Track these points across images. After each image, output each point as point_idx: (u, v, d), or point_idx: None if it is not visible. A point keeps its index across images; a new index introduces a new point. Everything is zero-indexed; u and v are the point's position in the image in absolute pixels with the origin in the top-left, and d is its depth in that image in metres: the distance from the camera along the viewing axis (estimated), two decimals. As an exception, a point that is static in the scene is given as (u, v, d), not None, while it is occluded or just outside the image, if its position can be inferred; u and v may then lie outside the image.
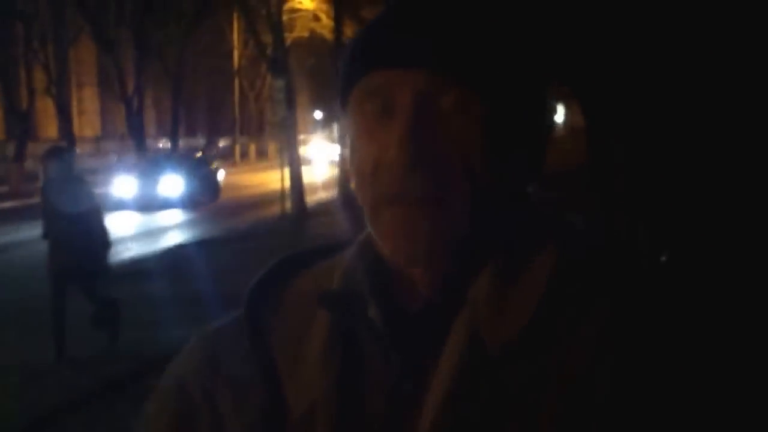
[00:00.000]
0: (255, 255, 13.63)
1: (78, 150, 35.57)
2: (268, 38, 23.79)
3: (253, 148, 50.58)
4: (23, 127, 33.66)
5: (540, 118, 0.98)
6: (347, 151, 0.98)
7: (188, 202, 24.16)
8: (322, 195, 24.20)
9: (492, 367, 0.89)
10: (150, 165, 26.53)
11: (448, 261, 0.94)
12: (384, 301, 0.97)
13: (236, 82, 46.74)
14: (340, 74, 0.98)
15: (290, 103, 20.04)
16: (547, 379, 0.87)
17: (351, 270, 1.02)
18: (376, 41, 0.94)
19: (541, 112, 0.98)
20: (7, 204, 26.48)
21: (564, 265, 0.93)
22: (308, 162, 31.90)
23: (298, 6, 31.24)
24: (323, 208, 21.57)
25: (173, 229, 20.33)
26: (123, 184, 25.16)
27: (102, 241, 8.63)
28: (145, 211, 23.19)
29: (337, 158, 26.76)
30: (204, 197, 25.25)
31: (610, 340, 0.88)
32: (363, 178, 0.94)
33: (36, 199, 22.32)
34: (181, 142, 44.72)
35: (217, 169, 28.79)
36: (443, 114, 0.90)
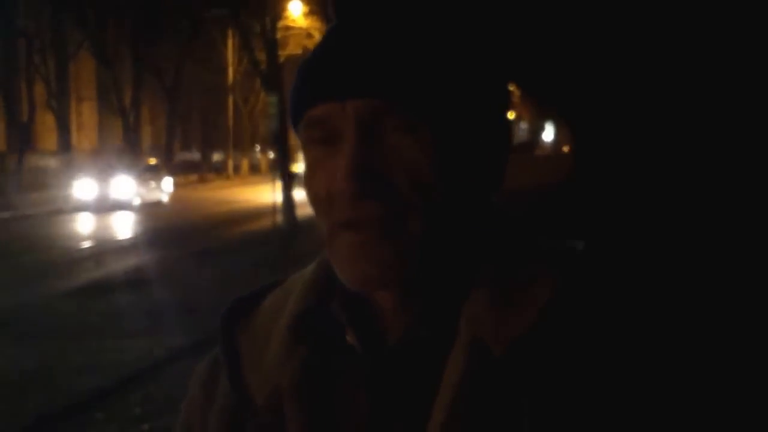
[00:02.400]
0: (247, 266, 13.91)
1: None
2: (261, 55, 23.98)
3: (246, 162, 50.50)
4: (23, 139, 33.94)
5: (492, 135, 0.96)
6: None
7: None
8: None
9: (497, 368, 0.88)
10: None
11: (405, 284, 0.93)
12: (361, 327, 0.98)
13: (230, 97, 46.82)
14: (289, 106, 0.98)
15: (283, 118, 19.64)
16: (551, 380, 0.86)
17: (312, 289, 1.04)
18: (314, 76, 0.93)
19: (492, 129, 0.96)
20: (6, 214, 26.14)
21: (562, 278, 0.92)
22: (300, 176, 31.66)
23: (292, 24, 31.51)
24: (314, 221, 21.14)
25: None
26: None
27: None
28: None
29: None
30: None
31: (604, 348, 0.87)
32: (319, 206, 0.94)
33: (34, 210, 22.72)
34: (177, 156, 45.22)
35: None
36: (387, 139, 0.90)
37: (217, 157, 50.19)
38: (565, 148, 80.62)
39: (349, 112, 0.90)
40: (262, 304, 1.08)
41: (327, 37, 0.96)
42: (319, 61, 0.94)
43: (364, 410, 0.95)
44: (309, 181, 0.96)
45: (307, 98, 0.94)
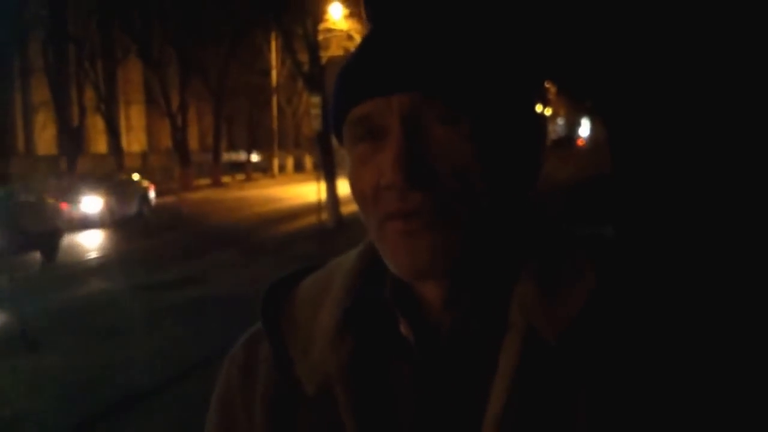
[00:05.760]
0: (295, 262, 14.15)
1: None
2: (304, 57, 23.87)
3: (290, 161, 50.55)
4: (74, 143, 34.54)
5: (529, 125, 0.97)
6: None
7: None
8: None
9: (551, 355, 0.90)
10: None
11: (454, 273, 0.94)
12: (413, 317, 0.98)
13: (274, 98, 46.71)
14: (331, 109, 1.00)
15: (326, 118, 19.55)
16: (605, 366, 0.89)
17: (361, 278, 1.05)
18: (358, 75, 0.95)
19: (529, 120, 0.97)
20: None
21: (603, 266, 0.94)
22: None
23: (332, 26, 31.88)
24: (358, 218, 19.93)
25: None
26: None
27: None
28: None
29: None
30: None
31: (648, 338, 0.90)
32: (366, 202, 0.95)
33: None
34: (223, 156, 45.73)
35: None
36: (430, 131, 0.91)
37: (262, 156, 50.25)
38: (580, 142, 79.38)
39: (394, 106, 0.92)
40: (300, 289, 1.10)
41: (366, 41, 0.99)
42: (361, 61, 0.96)
43: (417, 400, 0.96)
44: (355, 178, 0.97)
45: (352, 97, 0.96)
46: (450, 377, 0.96)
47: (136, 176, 27.03)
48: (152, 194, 26.53)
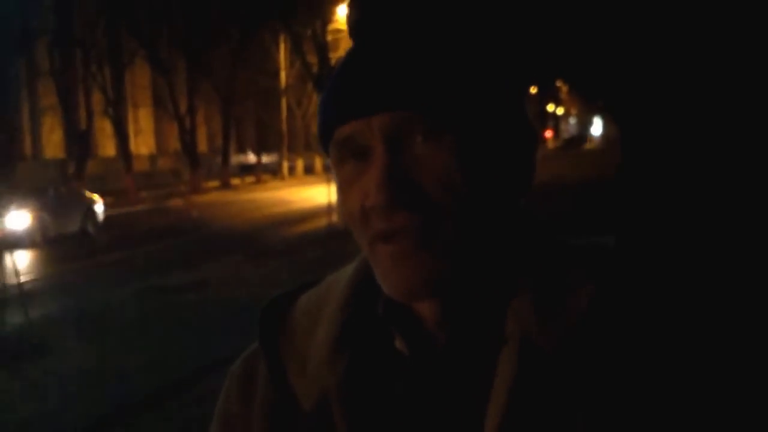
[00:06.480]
0: (305, 265, 14.23)
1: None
2: (313, 58, 24.53)
3: (300, 163, 50.17)
4: (82, 146, 34.53)
5: (516, 134, 0.97)
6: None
7: None
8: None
9: (549, 365, 0.90)
10: None
11: (448, 290, 0.94)
12: (408, 332, 0.98)
13: (283, 100, 46.65)
14: (318, 130, 1.00)
15: None
16: (604, 377, 0.88)
17: (357, 293, 1.05)
18: (338, 97, 0.95)
19: (516, 129, 0.97)
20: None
21: (602, 276, 0.94)
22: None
23: (342, 27, 32.06)
24: None
25: None
26: None
27: None
28: None
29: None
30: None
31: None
32: (354, 222, 0.95)
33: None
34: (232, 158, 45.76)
35: None
36: (414, 149, 0.91)
37: (272, 158, 50.26)
38: (588, 144, 79.86)
39: (375, 126, 0.92)
40: (298, 305, 1.10)
41: (346, 60, 0.98)
42: (341, 82, 0.96)
43: (414, 415, 0.96)
44: (342, 199, 0.97)
45: (334, 119, 0.96)
46: (446, 391, 0.96)
47: (91, 195, 23.51)
48: (100, 208, 23.28)
